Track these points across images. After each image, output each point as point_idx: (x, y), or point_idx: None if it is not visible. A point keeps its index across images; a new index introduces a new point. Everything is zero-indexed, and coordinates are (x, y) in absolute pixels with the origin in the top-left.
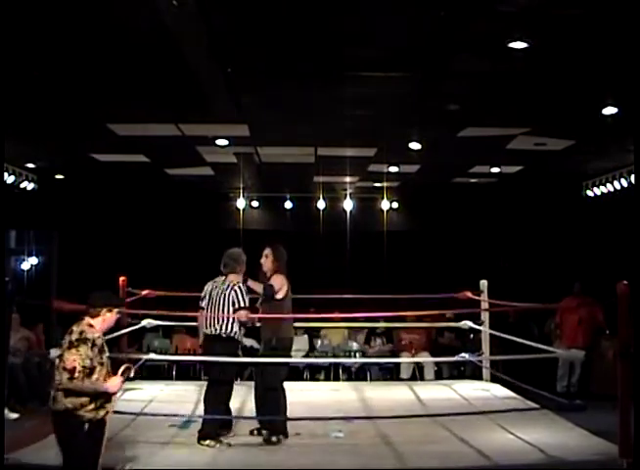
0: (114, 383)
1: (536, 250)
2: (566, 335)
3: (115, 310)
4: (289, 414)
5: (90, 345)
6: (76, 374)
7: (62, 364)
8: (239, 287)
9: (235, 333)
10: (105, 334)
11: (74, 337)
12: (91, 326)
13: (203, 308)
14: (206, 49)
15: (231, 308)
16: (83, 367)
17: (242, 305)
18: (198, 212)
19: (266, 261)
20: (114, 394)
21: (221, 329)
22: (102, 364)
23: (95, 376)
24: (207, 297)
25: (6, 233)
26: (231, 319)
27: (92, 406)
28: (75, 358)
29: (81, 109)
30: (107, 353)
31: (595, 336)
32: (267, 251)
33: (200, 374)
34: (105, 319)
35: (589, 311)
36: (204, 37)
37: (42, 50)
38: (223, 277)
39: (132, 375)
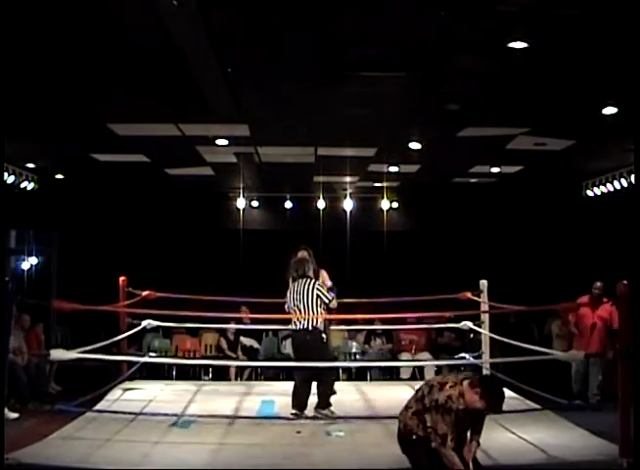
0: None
1: (536, 250)
2: (582, 339)
3: (479, 390)
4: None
5: (453, 415)
6: (449, 442)
7: (431, 426)
8: None
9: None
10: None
11: (442, 399)
12: (461, 396)
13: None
14: (206, 49)
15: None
16: (452, 436)
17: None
18: (198, 212)
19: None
20: None
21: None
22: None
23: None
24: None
25: (6, 233)
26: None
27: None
28: (445, 427)
29: (81, 108)
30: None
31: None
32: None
33: (200, 374)
34: (467, 396)
35: (605, 313)
36: (204, 37)
37: (42, 50)
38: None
39: None
